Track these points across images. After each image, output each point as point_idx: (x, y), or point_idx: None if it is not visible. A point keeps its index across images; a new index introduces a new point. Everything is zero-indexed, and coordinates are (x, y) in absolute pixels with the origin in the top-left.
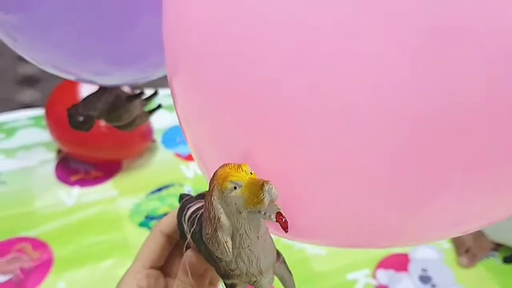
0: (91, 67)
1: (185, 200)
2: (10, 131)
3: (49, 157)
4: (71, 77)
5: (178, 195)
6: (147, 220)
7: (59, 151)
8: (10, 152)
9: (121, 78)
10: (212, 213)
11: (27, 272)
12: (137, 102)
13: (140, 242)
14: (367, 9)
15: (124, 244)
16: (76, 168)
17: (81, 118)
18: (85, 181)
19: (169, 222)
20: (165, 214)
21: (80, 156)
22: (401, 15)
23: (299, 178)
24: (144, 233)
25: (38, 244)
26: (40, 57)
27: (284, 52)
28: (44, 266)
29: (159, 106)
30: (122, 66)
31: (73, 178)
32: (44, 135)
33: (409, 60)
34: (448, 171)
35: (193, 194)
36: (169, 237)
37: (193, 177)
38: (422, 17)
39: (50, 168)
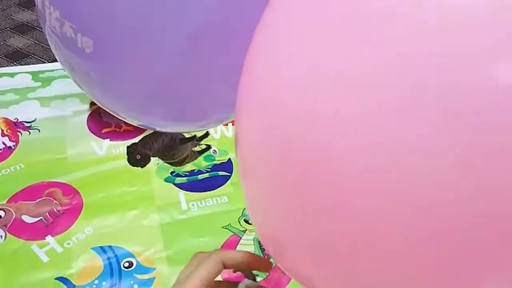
0: (156, 123)
1: None
2: (47, 81)
3: (82, 109)
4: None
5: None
6: (173, 176)
7: (92, 104)
8: (45, 101)
9: (183, 130)
10: None
11: (56, 216)
12: (188, 144)
13: (165, 196)
14: None
15: (150, 196)
16: (107, 121)
17: (138, 156)
18: (115, 135)
19: (234, 257)
20: (190, 172)
21: None
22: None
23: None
24: (169, 187)
25: (68, 190)
26: (107, 104)
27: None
28: (73, 211)
29: (208, 147)
30: (186, 123)
31: (104, 131)
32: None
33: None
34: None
35: (219, 154)
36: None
37: (219, 138)
38: None
39: (82, 119)
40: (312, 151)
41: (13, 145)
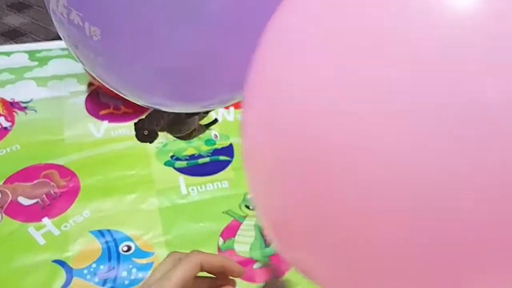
0: (160, 103)
1: None
2: (43, 60)
3: (80, 89)
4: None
5: (205, 137)
6: (173, 160)
7: (90, 84)
8: (41, 81)
9: (187, 110)
10: None
11: (52, 198)
12: (195, 117)
13: (165, 180)
14: None
15: (149, 180)
16: (106, 102)
17: (145, 132)
18: (114, 116)
19: (213, 261)
20: (190, 156)
21: (110, 91)
22: None
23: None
24: (169, 171)
25: (65, 172)
26: (112, 83)
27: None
28: (71, 194)
29: (215, 120)
30: (191, 103)
31: (102, 112)
32: (76, 67)
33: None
34: None
35: (220, 138)
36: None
37: (221, 123)
38: None
39: (80, 100)
40: (314, 145)
41: (9, 126)
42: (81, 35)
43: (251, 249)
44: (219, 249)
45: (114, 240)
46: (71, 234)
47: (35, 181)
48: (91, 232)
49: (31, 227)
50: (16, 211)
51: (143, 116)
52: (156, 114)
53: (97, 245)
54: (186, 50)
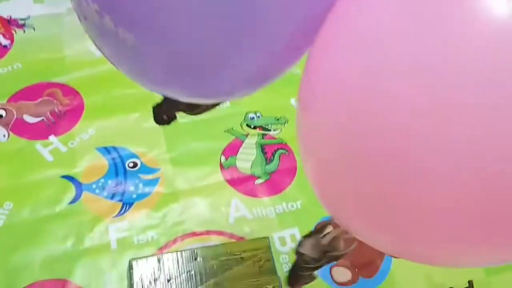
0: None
1: None
2: None
3: None
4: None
5: None
6: None
7: None
8: None
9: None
10: None
11: (57, 116)
12: None
13: None
14: None
15: (151, 99)
16: None
17: (165, 117)
18: None
19: None
20: None
21: None
22: None
23: None
24: None
25: (68, 91)
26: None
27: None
28: (75, 112)
29: None
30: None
31: None
32: None
33: None
34: None
35: None
36: None
37: None
38: None
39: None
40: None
41: (8, 44)
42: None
43: (252, 166)
44: (221, 166)
45: (120, 156)
46: (78, 151)
47: (39, 100)
48: (97, 149)
49: (38, 144)
50: (22, 128)
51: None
52: (174, 100)
53: (104, 161)
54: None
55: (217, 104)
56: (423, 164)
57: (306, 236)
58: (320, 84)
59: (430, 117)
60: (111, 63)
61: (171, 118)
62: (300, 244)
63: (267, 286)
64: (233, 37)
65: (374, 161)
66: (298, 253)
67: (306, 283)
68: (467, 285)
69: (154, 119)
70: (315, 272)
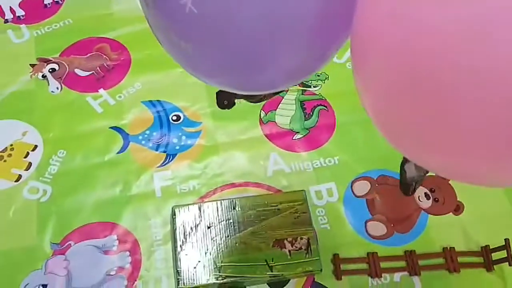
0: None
1: None
2: None
3: None
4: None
5: None
6: None
7: None
8: None
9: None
10: None
11: (106, 70)
12: None
13: None
14: None
15: None
16: None
17: (226, 102)
18: None
19: None
20: None
21: None
22: None
23: None
24: None
25: (116, 46)
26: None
27: None
28: (123, 67)
29: None
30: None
31: None
32: None
33: None
34: None
35: None
36: None
37: None
38: None
39: None
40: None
41: (60, 0)
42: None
43: (291, 122)
44: (260, 121)
45: (165, 110)
46: (125, 104)
47: (89, 54)
48: (143, 102)
49: (88, 97)
50: (74, 82)
51: None
52: None
53: (149, 114)
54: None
55: (276, 93)
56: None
57: (402, 165)
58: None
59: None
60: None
61: (231, 104)
62: (402, 165)
63: (303, 236)
64: (276, 41)
65: (421, 85)
66: (401, 171)
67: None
68: (504, 243)
69: (216, 103)
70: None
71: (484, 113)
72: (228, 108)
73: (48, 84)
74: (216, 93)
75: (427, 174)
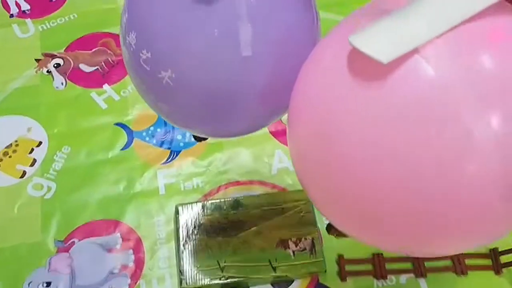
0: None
1: None
2: None
3: None
4: None
5: None
6: None
7: None
8: None
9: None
10: None
11: (111, 66)
12: None
13: None
14: None
15: None
16: None
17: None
18: None
19: None
20: None
21: None
22: None
23: None
24: None
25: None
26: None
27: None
28: None
29: None
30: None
31: None
32: None
33: None
34: None
35: None
36: None
37: None
38: None
39: None
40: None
41: None
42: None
43: None
44: None
45: None
46: (129, 100)
47: (94, 49)
48: None
49: (93, 93)
50: (78, 77)
51: None
52: None
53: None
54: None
55: None
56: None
57: None
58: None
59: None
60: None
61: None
62: None
63: (307, 237)
64: (234, 103)
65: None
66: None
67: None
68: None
69: (193, 136)
70: None
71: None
72: (205, 140)
73: (53, 80)
74: None
75: None
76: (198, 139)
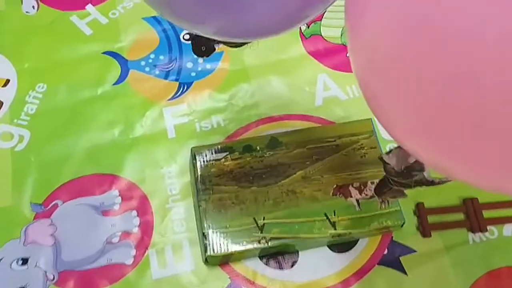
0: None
1: None
2: None
3: None
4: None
5: None
6: None
7: None
8: None
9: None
10: None
11: None
12: None
13: None
14: None
15: None
16: None
17: (203, 48)
18: None
19: None
20: None
21: None
22: None
23: None
24: None
25: None
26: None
27: None
28: None
29: None
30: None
31: None
32: None
33: None
34: None
35: None
36: None
37: None
38: None
39: None
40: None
41: None
42: None
43: (343, 34)
44: (301, 35)
45: (173, 27)
46: (121, 22)
47: None
48: (144, 19)
49: (73, 16)
50: None
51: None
52: None
53: (153, 33)
54: None
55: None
56: None
57: (398, 147)
58: None
59: None
60: None
61: (209, 51)
62: (389, 152)
63: (374, 180)
64: None
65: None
66: (382, 160)
67: (395, 197)
68: None
69: (192, 50)
70: (405, 190)
71: None
72: (207, 56)
73: (22, 3)
74: (192, 38)
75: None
76: (199, 52)
